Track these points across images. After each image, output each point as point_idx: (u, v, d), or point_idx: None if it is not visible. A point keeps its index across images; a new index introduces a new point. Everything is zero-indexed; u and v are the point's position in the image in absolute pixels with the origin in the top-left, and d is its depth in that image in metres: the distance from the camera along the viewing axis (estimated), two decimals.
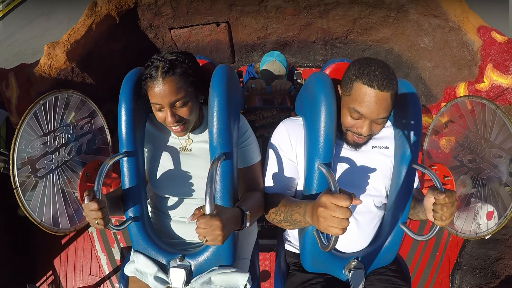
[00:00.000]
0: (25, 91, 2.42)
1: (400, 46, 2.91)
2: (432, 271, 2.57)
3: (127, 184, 1.10)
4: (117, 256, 2.76)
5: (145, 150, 1.21)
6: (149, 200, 1.33)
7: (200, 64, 1.29)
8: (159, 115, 1.05)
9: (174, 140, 1.20)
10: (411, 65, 2.91)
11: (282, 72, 1.84)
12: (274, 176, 1.16)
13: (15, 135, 1.63)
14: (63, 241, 2.79)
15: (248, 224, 0.95)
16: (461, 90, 2.65)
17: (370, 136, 1.05)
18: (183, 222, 1.21)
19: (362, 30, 2.88)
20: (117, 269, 2.74)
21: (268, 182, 1.17)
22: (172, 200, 1.22)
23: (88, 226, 2.80)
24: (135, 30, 2.82)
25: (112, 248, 2.78)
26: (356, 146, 1.09)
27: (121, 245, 2.79)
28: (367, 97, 0.93)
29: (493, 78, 2.43)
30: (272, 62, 1.82)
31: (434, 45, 2.70)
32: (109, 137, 2.29)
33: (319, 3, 2.65)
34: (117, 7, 2.55)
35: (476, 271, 2.42)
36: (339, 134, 1.10)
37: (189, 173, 1.18)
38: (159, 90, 0.99)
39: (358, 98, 0.94)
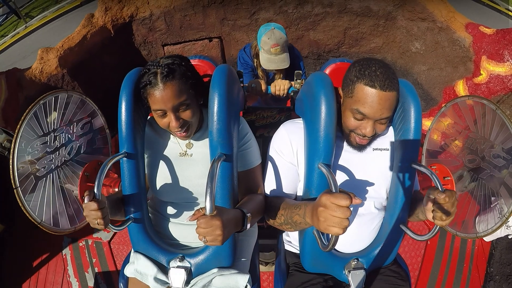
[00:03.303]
0: (13, 94, 2.55)
1: (393, 54, 3.09)
2: (462, 285, 2.33)
3: (127, 184, 1.15)
4: (91, 283, 2.54)
5: (145, 155, 1.25)
6: (149, 201, 1.37)
7: (200, 65, 1.40)
8: (162, 121, 1.09)
9: (174, 145, 1.24)
10: (406, 71, 3.05)
11: (283, 38, 1.92)
12: (275, 179, 1.20)
13: (15, 135, 1.70)
14: (35, 263, 2.62)
15: (248, 226, 0.98)
16: (460, 87, 2.72)
17: (373, 137, 1.09)
18: (182, 225, 1.25)
19: (353, 41, 3.10)
20: None
21: (269, 185, 1.21)
22: (172, 204, 1.27)
23: (62, 248, 2.66)
24: (129, 46, 3.07)
25: (86, 273, 2.58)
26: (360, 148, 1.13)
27: (96, 270, 2.59)
28: (370, 98, 0.97)
29: (489, 69, 2.53)
30: (272, 30, 1.92)
31: (426, 48, 2.87)
32: (109, 137, 2.36)
33: (309, 14, 2.92)
34: (113, 20, 2.82)
35: (511, 278, 2.17)
36: (341, 136, 1.15)
37: (190, 178, 1.22)
38: (161, 96, 1.02)
39: (361, 99, 0.98)
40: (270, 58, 1.95)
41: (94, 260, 2.62)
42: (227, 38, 3.14)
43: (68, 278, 2.56)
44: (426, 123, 2.97)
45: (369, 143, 1.13)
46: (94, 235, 2.62)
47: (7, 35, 3.63)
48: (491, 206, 2.09)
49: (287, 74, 2.16)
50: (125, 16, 2.87)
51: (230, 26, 3.03)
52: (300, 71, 1.82)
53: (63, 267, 2.60)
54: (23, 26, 3.72)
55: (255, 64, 2.18)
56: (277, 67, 1.96)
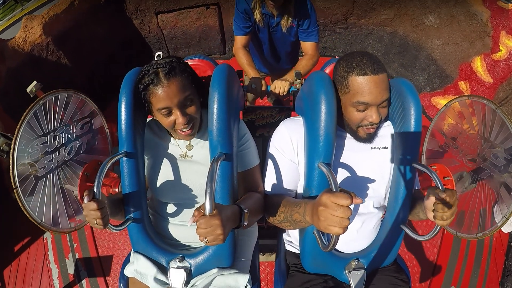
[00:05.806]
0: None
1: (405, 28, 2.97)
2: (480, 280, 2.34)
3: (127, 184, 1.18)
4: (71, 270, 2.50)
5: (146, 157, 1.28)
6: (149, 201, 1.40)
7: (200, 64, 1.48)
8: (167, 120, 1.11)
9: (174, 148, 1.28)
10: (419, 46, 2.94)
11: None
12: (275, 177, 1.23)
13: (15, 135, 1.73)
14: (16, 248, 2.59)
15: (246, 223, 1.01)
16: (478, 64, 2.63)
17: (380, 123, 1.12)
18: (182, 226, 1.30)
19: (362, 12, 2.98)
20: (69, 286, 2.37)
21: (269, 183, 1.25)
22: (172, 206, 1.31)
23: (44, 231, 2.58)
24: (119, 15, 2.95)
25: (66, 260, 2.54)
26: (370, 138, 1.16)
27: (77, 256, 2.54)
28: (366, 85, 1.02)
29: (509, 45, 2.47)
30: None
31: (440, 22, 2.76)
32: (109, 137, 2.41)
33: None
34: None
35: None
36: (341, 135, 1.19)
37: (190, 180, 1.26)
38: (167, 93, 1.05)
39: (359, 90, 1.04)
40: None
41: (75, 245, 2.60)
42: (226, 5, 3.02)
43: (48, 264, 2.52)
44: (441, 101, 2.87)
45: (371, 140, 1.17)
46: (77, 218, 2.53)
47: (3, 19, 3.56)
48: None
49: (296, 15, 1.94)
50: None
51: None
52: (300, 71, 1.75)
53: (44, 252, 2.57)
54: (19, 9, 3.65)
55: (252, 5, 1.92)
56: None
